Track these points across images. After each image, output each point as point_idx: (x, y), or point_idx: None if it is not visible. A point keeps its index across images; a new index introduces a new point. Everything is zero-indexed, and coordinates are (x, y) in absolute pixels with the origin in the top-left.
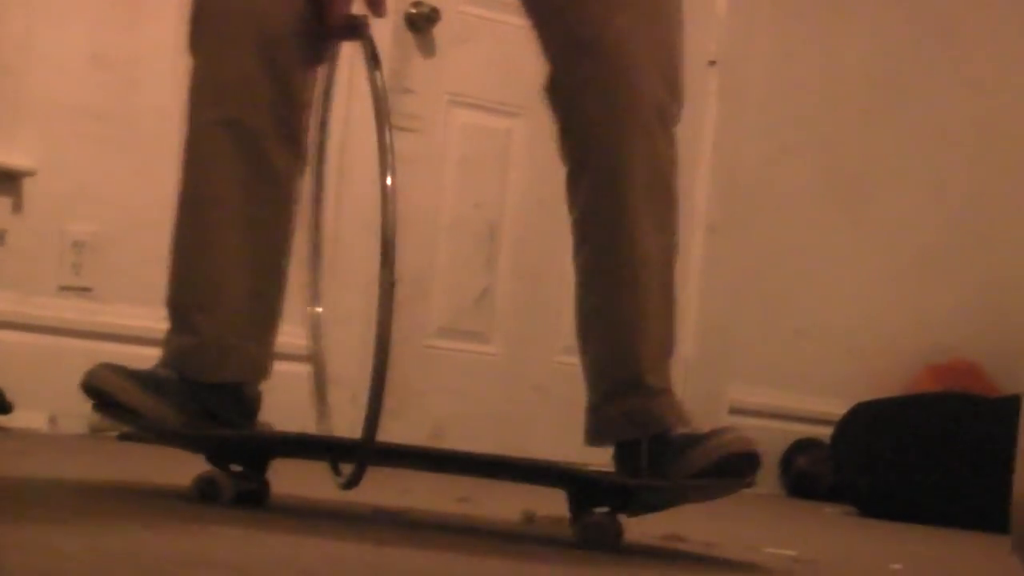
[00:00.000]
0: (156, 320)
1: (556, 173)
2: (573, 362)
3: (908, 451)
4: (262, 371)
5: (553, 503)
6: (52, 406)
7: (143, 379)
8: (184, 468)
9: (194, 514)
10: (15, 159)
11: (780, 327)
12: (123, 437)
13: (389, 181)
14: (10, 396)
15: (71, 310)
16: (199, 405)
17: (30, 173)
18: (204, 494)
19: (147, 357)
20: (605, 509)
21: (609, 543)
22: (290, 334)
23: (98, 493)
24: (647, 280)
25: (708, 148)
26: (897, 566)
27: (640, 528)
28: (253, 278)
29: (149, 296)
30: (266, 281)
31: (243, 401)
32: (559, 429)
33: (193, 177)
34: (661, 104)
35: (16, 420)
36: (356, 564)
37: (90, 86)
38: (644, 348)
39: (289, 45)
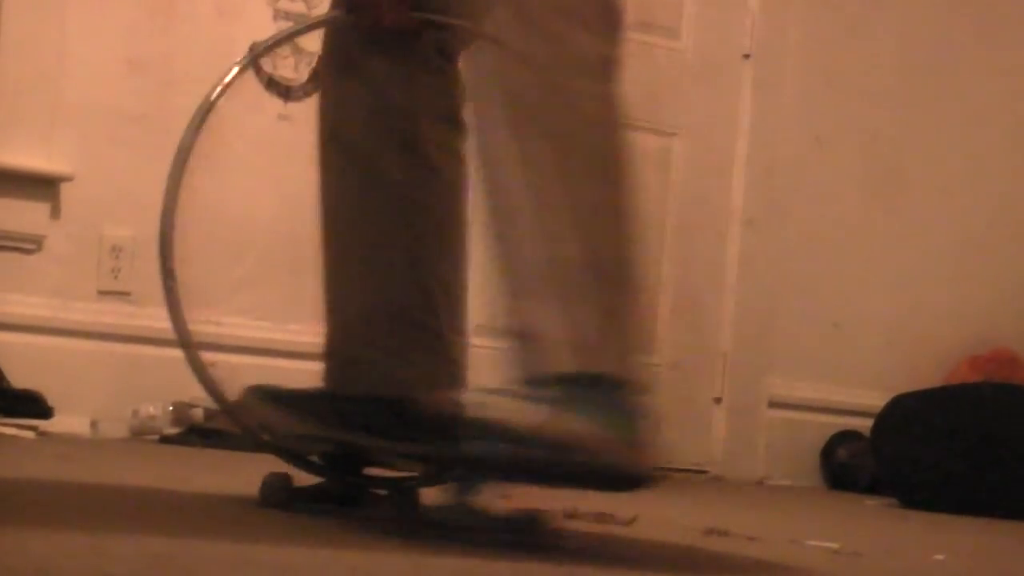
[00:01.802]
0: (193, 323)
1: None
2: None
3: (949, 442)
4: (397, 385)
5: (595, 500)
6: (93, 410)
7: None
8: (227, 469)
9: (238, 515)
10: (53, 165)
11: (819, 319)
12: (164, 440)
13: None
14: (51, 401)
15: (110, 314)
16: (340, 417)
17: (68, 178)
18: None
19: (182, 359)
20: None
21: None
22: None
23: (142, 496)
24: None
25: (744, 142)
26: (940, 557)
27: (682, 522)
28: (375, 293)
29: (187, 299)
30: (395, 294)
31: (399, 414)
32: None
33: (321, 194)
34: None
35: (58, 425)
36: (403, 563)
37: (126, 90)
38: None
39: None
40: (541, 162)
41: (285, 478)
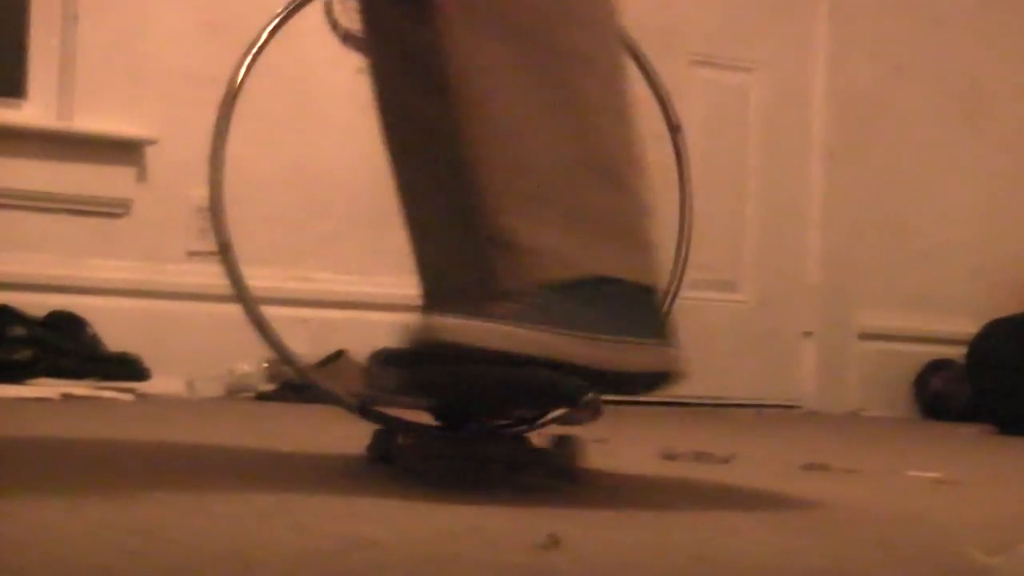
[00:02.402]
0: (283, 279)
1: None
2: (699, 297)
3: None
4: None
5: (692, 439)
6: (189, 370)
7: None
8: (323, 425)
9: (343, 469)
10: (137, 129)
11: (906, 249)
12: (260, 397)
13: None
14: (147, 363)
15: (200, 275)
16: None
17: (152, 142)
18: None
19: (276, 316)
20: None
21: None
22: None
23: (242, 454)
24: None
25: (822, 73)
26: None
27: (781, 458)
28: (453, 243)
29: (275, 256)
30: (472, 242)
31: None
32: (687, 365)
33: (386, 152)
34: None
35: (154, 386)
36: (501, 520)
37: (205, 53)
38: (491, 188)
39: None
40: (517, 60)
41: (390, 434)
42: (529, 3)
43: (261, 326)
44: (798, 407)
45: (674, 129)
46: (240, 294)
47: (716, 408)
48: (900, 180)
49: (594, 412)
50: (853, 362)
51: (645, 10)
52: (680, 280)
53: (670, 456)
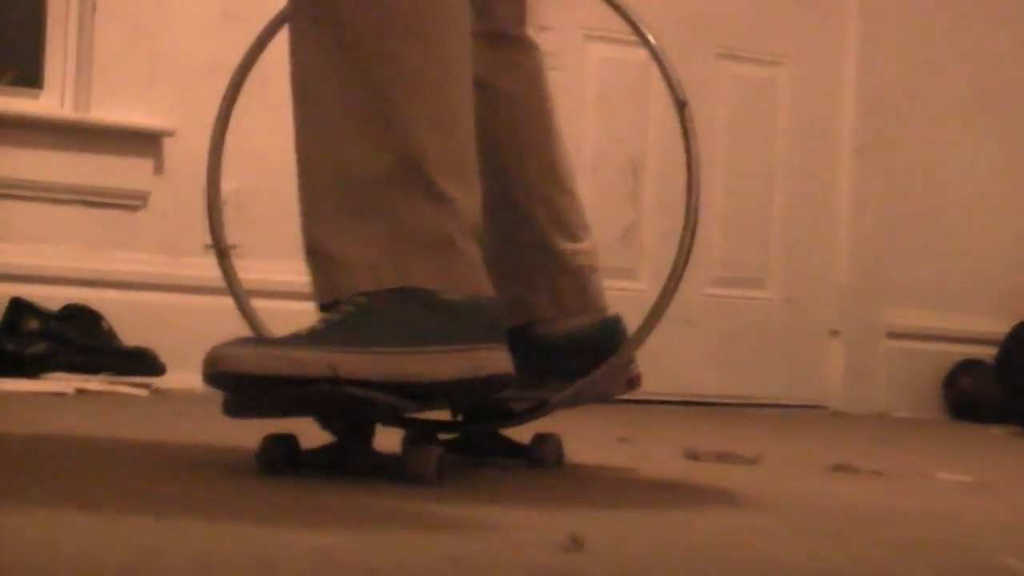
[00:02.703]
0: (300, 273)
1: (699, 104)
2: (723, 294)
3: None
4: (525, 311)
5: (717, 440)
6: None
7: None
8: None
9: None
10: (154, 120)
11: (935, 246)
12: None
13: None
14: (163, 358)
15: (218, 268)
16: None
17: (170, 133)
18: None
19: (294, 312)
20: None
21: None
22: None
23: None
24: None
25: (851, 67)
26: None
27: (808, 460)
28: None
29: (294, 250)
30: (493, 219)
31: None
32: (711, 363)
33: None
34: None
35: (170, 381)
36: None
37: (223, 43)
38: (306, 195)
39: None
40: (342, 67)
41: (288, 439)
42: (364, 14)
43: (250, 319)
44: (825, 407)
45: (680, 105)
46: (230, 286)
47: (741, 408)
48: (930, 176)
49: (630, 383)
50: (881, 362)
51: (669, 2)
52: (685, 263)
53: (694, 456)
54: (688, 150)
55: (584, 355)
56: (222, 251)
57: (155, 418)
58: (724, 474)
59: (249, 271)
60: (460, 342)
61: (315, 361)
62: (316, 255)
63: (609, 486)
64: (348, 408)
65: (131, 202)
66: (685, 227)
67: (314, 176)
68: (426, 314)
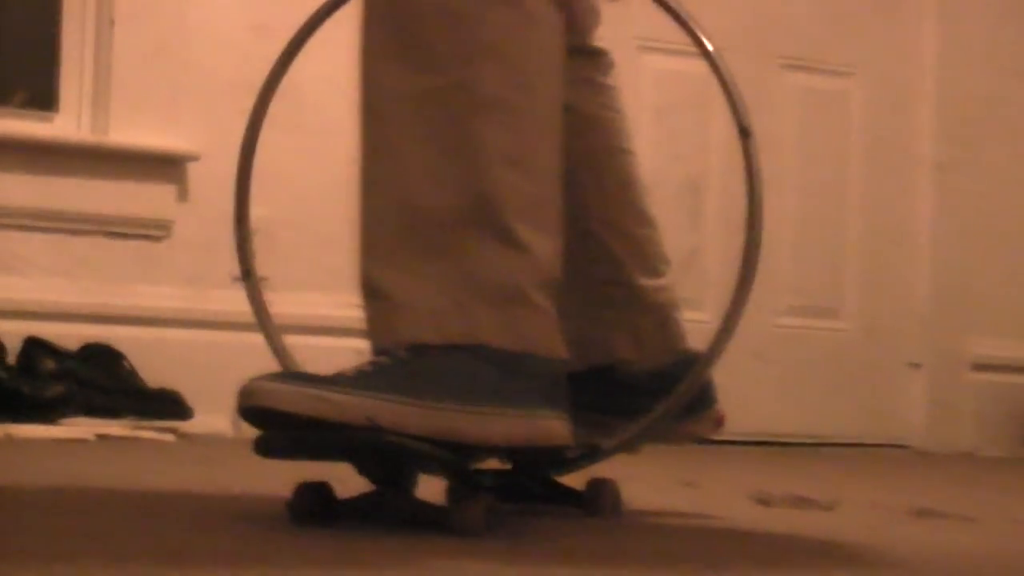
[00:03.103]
0: (335, 307)
1: (762, 118)
2: (795, 324)
3: None
4: (601, 351)
5: (790, 483)
6: (234, 407)
7: None
8: None
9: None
10: (178, 143)
11: (1023, 271)
12: None
13: None
14: (190, 400)
15: (247, 303)
16: None
17: (194, 157)
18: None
19: (329, 348)
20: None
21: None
22: None
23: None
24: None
25: (930, 78)
26: None
27: (889, 505)
28: None
29: (328, 282)
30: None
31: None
32: (782, 400)
33: None
34: None
35: (197, 425)
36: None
37: (252, 58)
38: (368, 226)
39: None
40: (419, 92)
41: (322, 487)
42: (446, 34)
43: (281, 356)
44: (906, 446)
45: (743, 133)
46: (258, 318)
47: (815, 447)
48: (1016, 195)
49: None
50: (966, 396)
51: (730, 9)
52: (744, 300)
53: (765, 501)
54: (751, 186)
55: (666, 396)
56: (248, 272)
57: (182, 465)
58: (798, 521)
59: (281, 304)
60: (518, 405)
61: (354, 407)
62: (374, 294)
63: (672, 536)
64: (386, 457)
65: (154, 232)
66: (744, 269)
67: (378, 207)
68: (485, 369)
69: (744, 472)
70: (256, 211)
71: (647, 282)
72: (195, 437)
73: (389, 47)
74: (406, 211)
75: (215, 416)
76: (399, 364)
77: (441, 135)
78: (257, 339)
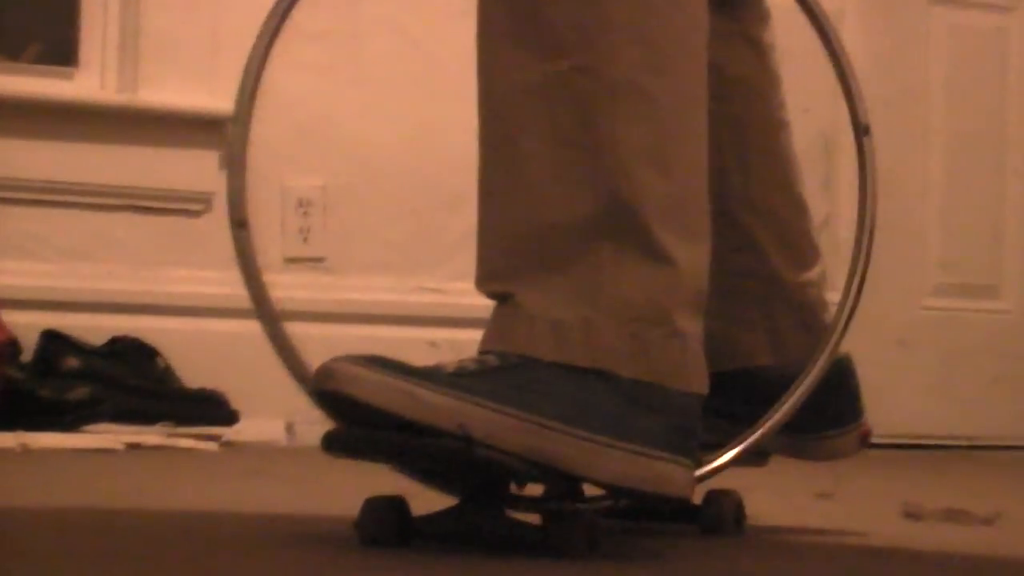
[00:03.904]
0: (405, 291)
1: (908, 60)
2: (946, 306)
3: None
4: (739, 354)
5: (943, 492)
6: (288, 410)
7: None
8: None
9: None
10: (218, 102)
11: None
12: None
13: None
14: (236, 402)
15: (302, 287)
16: None
17: None
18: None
19: (396, 338)
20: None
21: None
22: None
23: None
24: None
25: (1015, 71)
26: None
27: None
28: None
29: (395, 262)
30: None
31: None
32: (932, 395)
33: None
34: None
35: (246, 432)
36: None
37: (301, 3)
38: (488, 233)
39: None
40: (548, 83)
41: (396, 503)
42: (571, 10)
43: (280, 345)
44: None
45: (859, 129)
46: (253, 294)
47: (971, 451)
48: None
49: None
50: None
51: None
52: (852, 312)
53: (913, 515)
54: (863, 188)
55: (810, 407)
56: (242, 222)
57: (227, 479)
58: (953, 537)
59: (342, 290)
60: (636, 440)
61: (445, 410)
62: (490, 292)
63: (803, 557)
64: (476, 471)
65: (192, 206)
66: (851, 275)
67: (499, 212)
68: (605, 394)
69: (888, 480)
70: (310, 181)
71: (792, 277)
72: (242, 446)
73: (507, 30)
74: (531, 218)
75: (265, 421)
76: (507, 369)
77: (568, 129)
78: (311, 329)
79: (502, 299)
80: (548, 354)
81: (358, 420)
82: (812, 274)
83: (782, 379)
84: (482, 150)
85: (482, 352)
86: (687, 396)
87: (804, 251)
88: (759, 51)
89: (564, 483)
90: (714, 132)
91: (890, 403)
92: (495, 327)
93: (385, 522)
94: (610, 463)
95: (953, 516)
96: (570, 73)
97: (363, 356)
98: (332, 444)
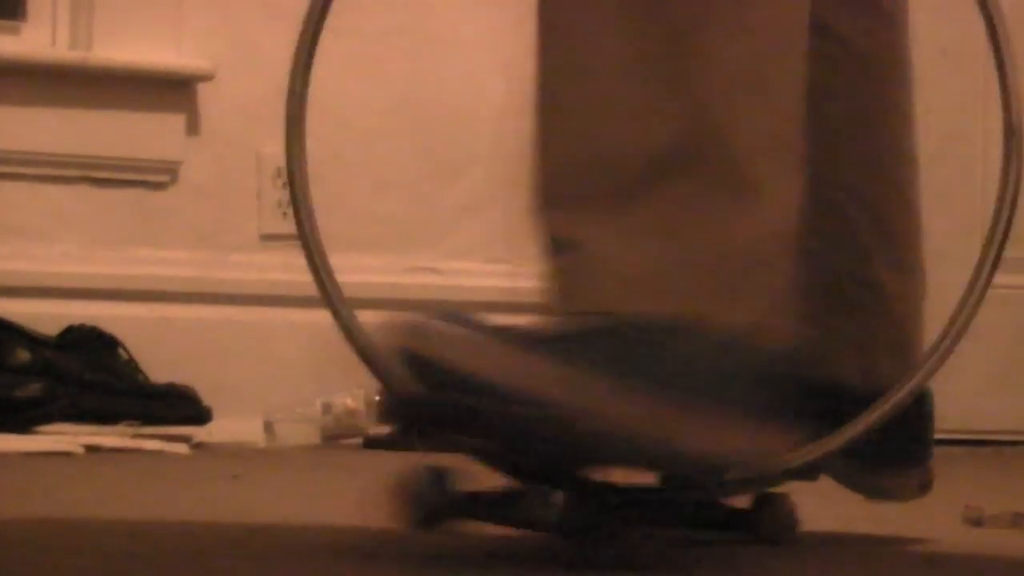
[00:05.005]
0: (397, 272)
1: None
2: (1009, 284)
3: None
4: (818, 365)
5: (1010, 495)
6: (267, 407)
7: None
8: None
9: (531, 556)
10: (185, 59)
11: None
12: (370, 444)
13: None
14: (209, 398)
15: (280, 268)
16: None
17: (207, 77)
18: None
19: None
20: None
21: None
22: None
23: (358, 538)
24: None
25: None
26: None
27: None
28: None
29: (385, 239)
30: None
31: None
32: (998, 384)
33: None
34: None
35: (218, 432)
36: None
37: None
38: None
39: None
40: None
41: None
42: None
43: (356, 339)
44: None
45: (1009, 133)
46: (325, 291)
47: None
48: None
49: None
50: None
51: None
52: (963, 330)
53: (975, 520)
54: (1003, 194)
55: (890, 433)
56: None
57: (199, 484)
58: (1020, 544)
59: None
60: (738, 409)
61: (556, 383)
62: (562, 245)
63: (856, 567)
64: (576, 456)
65: (155, 177)
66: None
67: (566, 143)
68: (704, 355)
69: (948, 482)
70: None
71: (895, 285)
72: (215, 447)
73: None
74: (606, 148)
75: (240, 419)
76: (604, 333)
77: (653, 50)
78: (291, 316)
79: (565, 246)
80: (630, 311)
81: (448, 389)
82: (914, 283)
83: (864, 399)
84: (544, 58)
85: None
86: (779, 353)
87: (908, 253)
88: (889, 22)
89: (666, 461)
90: (831, 112)
91: (948, 394)
92: (571, 281)
93: (432, 500)
94: (718, 434)
95: (1019, 521)
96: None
97: (455, 314)
98: (403, 413)
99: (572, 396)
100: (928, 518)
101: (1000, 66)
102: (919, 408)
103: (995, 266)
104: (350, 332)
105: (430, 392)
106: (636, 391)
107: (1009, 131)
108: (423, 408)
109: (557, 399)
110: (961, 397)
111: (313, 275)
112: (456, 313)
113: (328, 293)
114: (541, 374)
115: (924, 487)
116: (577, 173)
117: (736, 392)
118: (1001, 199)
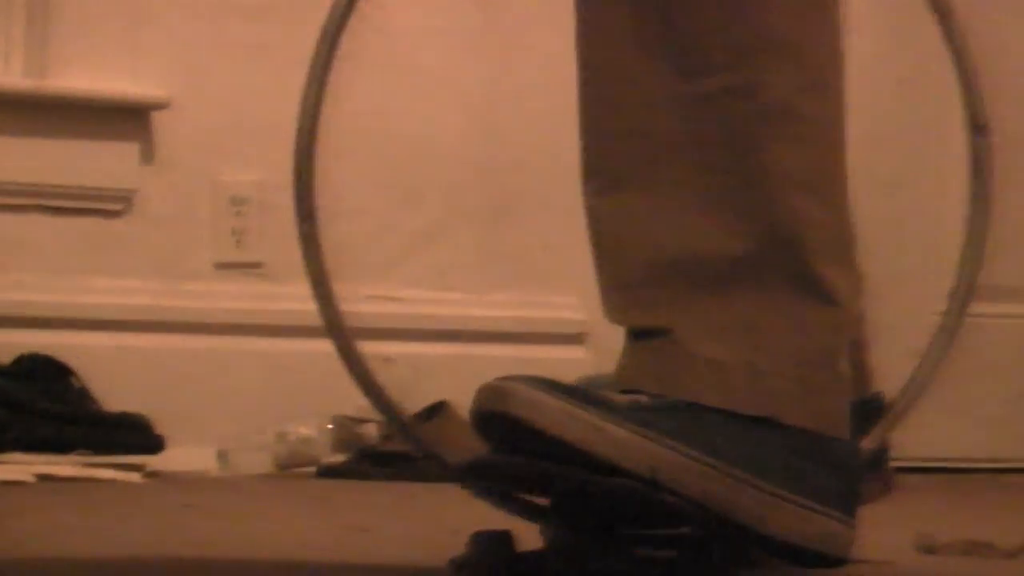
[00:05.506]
0: (354, 301)
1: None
2: (977, 311)
3: None
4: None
5: (964, 522)
6: (220, 436)
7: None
8: (420, 514)
9: None
10: (141, 87)
11: None
12: (325, 473)
13: None
14: (163, 427)
15: (234, 297)
16: None
17: (162, 105)
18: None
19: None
20: None
21: None
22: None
23: (310, 569)
24: None
25: None
26: None
27: None
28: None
29: (342, 267)
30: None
31: None
32: (948, 409)
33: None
34: None
35: (173, 460)
36: None
37: None
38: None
39: None
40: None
41: (504, 539)
42: (724, 21)
43: (356, 366)
44: None
45: (976, 129)
46: (328, 319)
47: (994, 475)
48: None
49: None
50: None
51: None
52: (950, 341)
53: (929, 548)
54: (978, 191)
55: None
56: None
57: (152, 514)
58: (972, 573)
59: (282, 299)
60: (810, 496)
61: (636, 448)
62: (638, 326)
63: None
64: (647, 514)
65: (110, 205)
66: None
67: (640, 230)
68: (774, 442)
69: (907, 507)
70: (245, 175)
71: (848, 306)
72: (169, 476)
73: (632, 33)
74: (683, 246)
75: (195, 448)
76: (680, 409)
77: (718, 155)
78: (246, 344)
79: (654, 334)
80: (712, 399)
81: (530, 450)
82: (845, 312)
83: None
84: (611, 163)
85: (626, 391)
86: (848, 446)
87: (856, 276)
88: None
89: (733, 535)
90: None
91: (905, 422)
92: (647, 364)
93: (497, 562)
94: (785, 518)
95: (973, 549)
96: (720, 95)
97: (534, 377)
98: (484, 473)
99: (652, 467)
100: (881, 545)
101: (959, 62)
102: (868, 414)
103: (970, 294)
104: (353, 362)
105: (515, 454)
106: (713, 463)
107: (974, 127)
108: (508, 469)
109: (635, 470)
110: (916, 425)
111: (319, 305)
112: (539, 377)
113: (332, 322)
114: (622, 443)
115: (886, 487)
116: (665, 276)
117: (814, 481)
118: (975, 211)
